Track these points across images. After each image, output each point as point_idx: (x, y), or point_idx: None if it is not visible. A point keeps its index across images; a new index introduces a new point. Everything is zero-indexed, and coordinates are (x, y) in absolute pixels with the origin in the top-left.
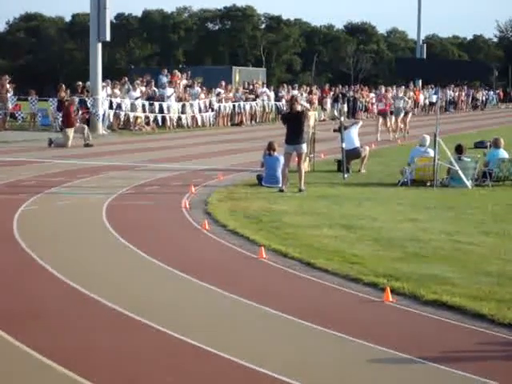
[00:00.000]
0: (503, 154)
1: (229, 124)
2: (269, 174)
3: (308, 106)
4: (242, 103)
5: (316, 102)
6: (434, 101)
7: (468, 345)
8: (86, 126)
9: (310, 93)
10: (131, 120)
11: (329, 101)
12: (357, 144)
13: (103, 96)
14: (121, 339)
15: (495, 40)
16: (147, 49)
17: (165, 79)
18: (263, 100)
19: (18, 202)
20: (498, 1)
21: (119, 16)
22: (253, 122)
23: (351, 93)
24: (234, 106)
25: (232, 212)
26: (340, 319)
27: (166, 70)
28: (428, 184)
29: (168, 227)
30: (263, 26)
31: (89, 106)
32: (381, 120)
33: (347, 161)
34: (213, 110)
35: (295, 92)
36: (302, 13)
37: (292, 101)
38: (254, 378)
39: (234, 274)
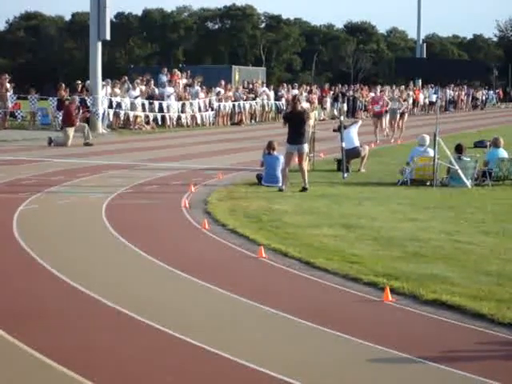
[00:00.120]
0: (503, 153)
1: (228, 123)
2: (268, 174)
3: (308, 105)
4: (241, 102)
5: (316, 101)
6: (434, 100)
7: (468, 344)
8: (86, 125)
9: (310, 92)
10: (131, 119)
11: (329, 100)
12: (356, 143)
13: (103, 95)
14: (121, 339)
15: (495, 39)
16: (147, 48)
17: (164, 78)
18: (263, 99)
19: (17, 201)
20: (498, 0)
21: (119, 15)
22: (252, 121)
23: (351, 92)
24: (233, 105)
25: (232, 211)
26: (340, 319)
27: (165, 69)
28: (428, 183)
29: (168, 226)
30: (263, 25)
31: (89, 105)
32: (377, 121)
33: (347, 160)
34: (212, 110)
35: (295, 91)
36: (302, 12)
37: (294, 100)
38: (253, 377)
39: (233, 273)
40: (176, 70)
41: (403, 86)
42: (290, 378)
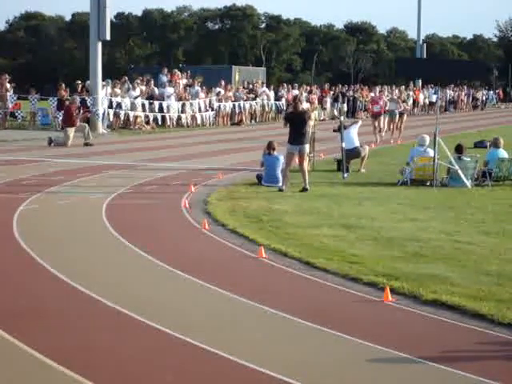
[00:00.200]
0: (503, 153)
1: (228, 123)
2: (268, 174)
3: (308, 106)
4: (241, 103)
5: (316, 101)
6: (434, 100)
7: (467, 344)
8: (86, 125)
9: (310, 92)
10: (131, 119)
11: (329, 100)
12: (356, 143)
13: (103, 95)
14: (121, 339)
15: (495, 40)
16: (147, 48)
17: (165, 78)
18: (263, 99)
19: (17, 201)
20: (498, 0)
21: (119, 15)
22: (252, 121)
23: (351, 92)
24: (233, 105)
25: (232, 211)
26: (339, 319)
27: (165, 70)
28: (428, 184)
29: (168, 226)
30: (263, 25)
31: (89, 105)
32: (375, 122)
33: (347, 160)
34: (213, 110)
35: (295, 92)
36: (302, 12)
37: (296, 100)
38: (253, 377)
39: (233, 273)
40: (176, 70)
41: (403, 87)
42: (289, 378)
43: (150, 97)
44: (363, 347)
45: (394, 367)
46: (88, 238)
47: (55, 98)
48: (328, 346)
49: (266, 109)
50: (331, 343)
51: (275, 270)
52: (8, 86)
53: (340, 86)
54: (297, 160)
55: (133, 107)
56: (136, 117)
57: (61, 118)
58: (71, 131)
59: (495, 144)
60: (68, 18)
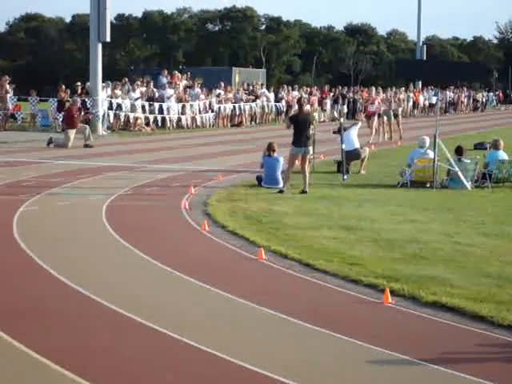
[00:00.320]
0: (503, 155)
1: (228, 125)
2: (268, 175)
3: (308, 107)
4: (242, 104)
5: (316, 103)
6: (434, 102)
7: (467, 346)
8: (87, 127)
9: (310, 94)
10: (131, 121)
11: (329, 102)
12: (356, 145)
13: (103, 97)
14: (120, 339)
15: (495, 41)
16: (147, 50)
17: (165, 80)
18: (263, 101)
19: (17, 203)
20: (498, 2)
21: (119, 17)
22: (252, 123)
23: (351, 94)
24: (234, 106)
25: (232, 213)
26: (339, 320)
27: (165, 71)
28: (428, 185)
29: (168, 228)
30: (263, 27)
31: (88, 106)
32: (369, 122)
33: (347, 162)
34: (213, 111)
35: (295, 93)
36: (302, 14)
37: (300, 102)
38: (253, 378)
39: (233, 274)
40: (176, 72)
41: (403, 88)
42: (289, 379)
43: (150, 98)
44: (363, 349)
45: (394, 369)
46: (88, 239)
47: (55, 100)
48: (328, 347)
49: (266, 110)
50: (331, 345)
51: (275, 271)
52: (8, 87)
53: (340, 87)
54: (297, 162)
55: (133, 109)
56: (136, 118)
57: (61, 119)
58: (72, 133)
59: (495, 146)
60: (68, 19)
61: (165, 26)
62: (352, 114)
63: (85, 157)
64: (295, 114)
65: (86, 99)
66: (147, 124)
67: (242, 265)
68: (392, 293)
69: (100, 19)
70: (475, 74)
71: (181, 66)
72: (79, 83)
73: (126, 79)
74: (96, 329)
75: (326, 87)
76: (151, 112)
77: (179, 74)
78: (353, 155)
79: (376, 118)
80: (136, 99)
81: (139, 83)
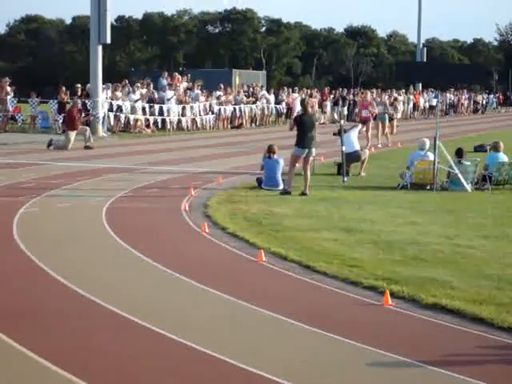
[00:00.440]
0: (503, 157)
1: (229, 127)
2: (268, 177)
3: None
4: (242, 106)
5: (316, 105)
6: (434, 104)
7: (467, 348)
8: (87, 128)
9: (310, 96)
10: (131, 122)
11: (329, 104)
12: (357, 147)
13: (103, 98)
14: (120, 341)
15: (495, 43)
16: (147, 51)
17: (165, 82)
18: (263, 103)
19: (18, 204)
20: (498, 4)
21: (120, 18)
22: (253, 124)
23: (351, 96)
24: (234, 108)
25: (232, 215)
26: (339, 322)
27: (166, 73)
28: (428, 187)
29: (168, 230)
30: (263, 29)
31: (89, 108)
32: (364, 127)
33: (347, 164)
34: (213, 113)
35: (296, 95)
36: (303, 16)
37: (304, 104)
38: (252, 379)
39: (233, 276)
40: (176, 74)
41: (403, 90)
42: (289, 380)
43: (151, 100)
44: (363, 350)
45: (394, 371)
46: (88, 240)
47: (55, 101)
48: (328, 349)
49: (266, 112)
50: (331, 346)
51: (275, 273)
52: (8, 89)
53: (340, 89)
54: (297, 164)
55: (133, 110)
56: (136, 120)
57: (61, 121)
58: (72, 134)
59: (495, 148)
60: (68, 21)
61: (165, 27)
62: (352, 116)
63: (85, 158)
64: (299, 115)
65: (87, 101)
66: (147, 126)
67: (241, 266)
68: (392, 295)
69: (100, 21)
70: (475, 76)
71: (181, 68)
72: (79, 85)
73: (127, 81)
74: (95, 329)
75: (326, 89)
76: (151, 114)
77: (179, 76)
78: (353, 157)
79: (370, 124)
80: (136, 101)
81: (139, 85)
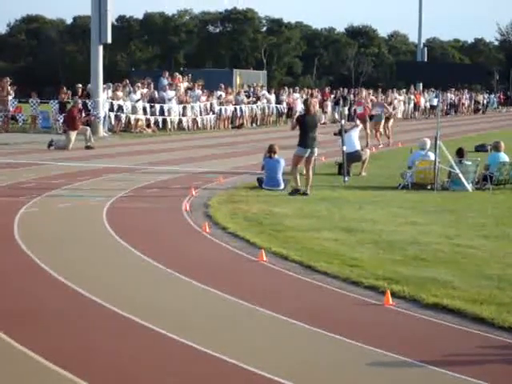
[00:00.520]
0: (504, 157)
1: (229, 127)
2: (269, 177)
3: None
4: (242, 106)
5: (317, 105)
6: (435, 104)
7: (468, 348)
8: (88, 128)
9: (311, 96)
10: (132, 122)
11: (329, 104)
12: (357, 147)
13: (104, 98)
14: (121, 341)
15: (496, 43)
16: (148, 51)
17: (166, 82)
18: (263, 103)
19: (18, 204)
20: (499, 4)
21: (120, 18)
22: (253, 124)
23: (352, 96)
24: (235, 108)
25: (232, 215)
26: (340, 322)
27: (166, 73)
28: (429, 187)
29: (168, 230)
30: (264, 28)
31: (89, 108)
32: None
33: (348, 164)
34: (214, 113)
35: (296, 95)
36: (303, 16)
37: (307, 103)
38: (253, 379)
39: (234, 276)
40: (177, 74)
41: (404, 90)
42: (290, 380)
43: (151, 100)
44: (364, 350)
45: (395, 370)
46: (88, 240)
47: (56, 101)
48: (328, 349)
49: (267, 112)
50: (331, 346)
51: (276, 273)
52: (9, 88)
53: (341, 89)
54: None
55: (134, 110)
56: (137, 120)
57: (61, 120)
58: (73, 134)
59: (496, 148)
60: (69, 21)
61: (166, 27)
62: (353, 116)
63: (85, 158)
64: (302, 115)
65: (87, 101)
66: (148, 126)
67: (242, 266)
68: (393, 295)
69: (101, 21)
70: (476, 76)
71: (181, 68)
72: (80, 85)
73: (127, 81)
74: (96, 330)
75: (327, 89)
76: (152, 114)
77: (180, 76)
78: (354, 157)
79: (367, 123)
80: (137, 101)
81: (140, 85)
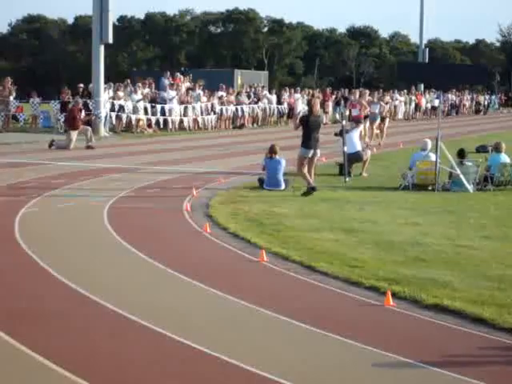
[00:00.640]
0: (505, 158)
1: (230, 127)
2: (270, 177)
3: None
4: (244, 106)
5: (318, 105)
6: (436, 105)
7: (468, 349)
8: (89, 128)
9: (312, 96)
10: (133, 122)
11: (331, 104)
12: (358, 147)
13: (105, 98)
14: (121, 341)
15: (497, 44)
16: (149, 51)
17: (167, 82)
18: (264, 103)
19: (19, 204)
20: (501, 5)
21: (122, 18)
22: (254, 125)
23: (353, 97)
24: (236, 108)
25: (233, 215)
26: (341, 323)
27: (168, 73)
28: (429, 188)
29: (169, 230)
30: (265, 29)
31: (91, 108)
32: (362, 126)
33: (349, 164)
34: (215, 113)
35: (297, 95)
36: (305, 16)
37: (311, 104)
38: (254, 380)
39: (234, 276)
40: (178, 74)
41: (405, 90)
42: (290, 381)
43: (152, 100)
44: (364, 351)
45: (395, 371)
46: (89, 240)
47: (57, 101)
48: (328, 349)
49: (268, 113)
50: (332, 347)
51: (276, 273)
52: (11, 87)
53: (342, 90)
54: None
55: (135, 110)
56: (138, 120)
57: (62, 119)
58: (74, 134)
59: (497, 149)
60: (70, 21)
61: (167, 27)
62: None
63: (86, 158)
64: (306, 116)
65: (89, 101)
66: (149, 126)
67: (243, 267)
68: (393, 295)
69: (102, 21)
70: (477, 77)
71: (182, 68)
72: (81, 85)
73: (128, 81)
74: (96, 330)
75: (328, 90)
76: (153, 114)
77: (181, 76)
78: (355, 157)
79: (364, 123)
80: (138, 101)
81: (141, 85)
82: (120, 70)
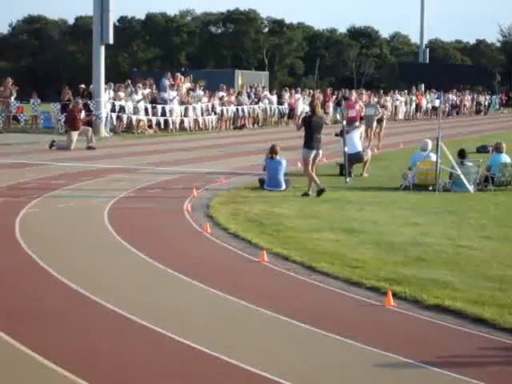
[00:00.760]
0: (505, 158)
1: (231, 127)
2: (271, 178)
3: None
4: (244, 107)
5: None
6: (437, 105)
7: (469, 349)
8: (90, 129)
9: (313, 97)
10: (134, 123)
11: (331, 105)
12: (359, 148)
13: (106, 99)
14: (121, 341)
15: (498, 44)
16: (150, 52)
17: (167, 82)
18: (265, 104)
19: (19, 205)
20: (501, 5)
21: (122, 19)
22: (255, 125)
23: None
24: (236, 109)
25: (234, 215)
26: (341, 323)
27: (168, 73)
28: (430, 188)
29: (170, 230)
30: (266, 29)
31: (91, 108)
32: (362, 126)
33: (349, 165)
34: (215, 114)
35: (298, 95)
36: (305, 16)
37: (313, 104)
38: (254, 380)
39: (235, 277)
40: (179, 74)
41: (406, 91)
42: (291, 381)
43: (153, 100)
44: (365, 351)
45: (396, 371)
46: (89, 240)
47: (57, 103)
48: (330, 350)
49: (269, 113)
50: (332, 347)
51: (277, 273)
52: (12, 88)
53: (343, 90)
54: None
55: (135, 111)
56: (139, 120)
57: (63, 120)
58: (75, 135)
59: (498, 149)
60: (71, 21)
61: (168, 28)
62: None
63: (87, 159)
64: (308, 116)
65: (89, 101)
66: (150, 126)
67: (243, 267)
68: (394, 296)
69: (103, 21)
70: (478, 77)
71: (183, 69)
72: (82, 85)
73: (129, 81)
74: (96, 330)
75: (329, 90)
76: (154, 114)
77: (182, 77)
78: (355, 158)
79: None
80: (139, 101)
81: (141, 85)
82: (120, 70)
